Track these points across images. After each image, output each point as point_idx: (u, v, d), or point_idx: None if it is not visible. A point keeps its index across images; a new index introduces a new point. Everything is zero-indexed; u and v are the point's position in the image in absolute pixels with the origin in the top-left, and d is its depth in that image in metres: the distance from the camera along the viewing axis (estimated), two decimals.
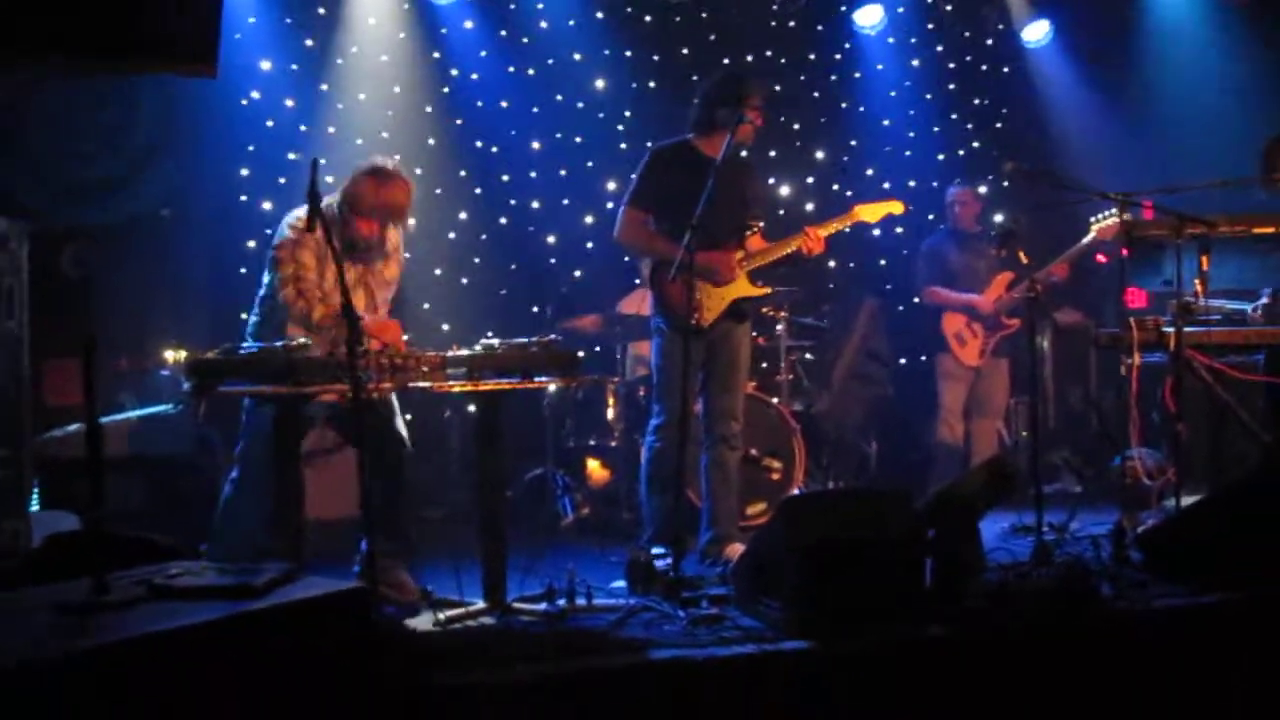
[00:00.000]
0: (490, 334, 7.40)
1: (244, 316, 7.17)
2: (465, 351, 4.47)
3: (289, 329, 4.91)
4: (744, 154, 5.80)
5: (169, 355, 6.78)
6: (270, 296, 5.08)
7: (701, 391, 5.59)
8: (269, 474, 5.11)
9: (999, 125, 9.53)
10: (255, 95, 7.61)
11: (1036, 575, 4.59)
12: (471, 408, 7.74)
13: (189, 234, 7.43)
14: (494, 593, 4.54)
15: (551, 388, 6.72)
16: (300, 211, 5.01)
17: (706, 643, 3.90)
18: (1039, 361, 8.81)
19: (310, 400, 4.42)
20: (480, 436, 4.68)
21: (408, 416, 5.13)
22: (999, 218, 8.18)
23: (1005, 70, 9.41)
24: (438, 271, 8.12)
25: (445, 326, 7.79)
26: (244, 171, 7.63)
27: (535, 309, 8.05)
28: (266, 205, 7.52)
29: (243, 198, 7.61)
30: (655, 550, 4.79)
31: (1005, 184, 8.90)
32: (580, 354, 4.94)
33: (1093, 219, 6.76)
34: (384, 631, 3.70)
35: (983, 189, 8.20)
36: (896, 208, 5.97)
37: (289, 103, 7.73)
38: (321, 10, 7.79)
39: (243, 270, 7.39)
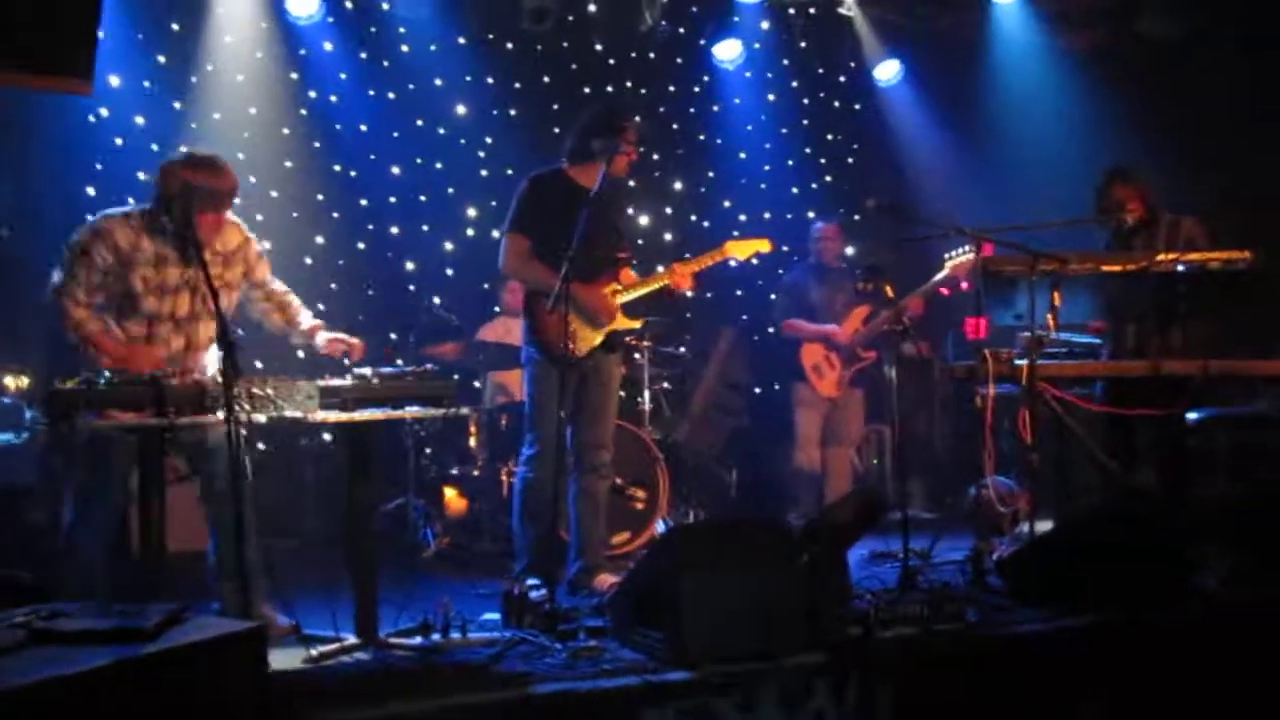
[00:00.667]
0: (346, 361, 7.41)
1: None
2: (340, 381, 4.37)
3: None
4: (619, 184, 5.81)
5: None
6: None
7: (571, 421, 5.56)
8: (106, 508, 4.94)
9: (851, 160, 9.79)
10: (104, 112, 7.36)
11: (905, 601, 4.67)
12: (327, 436, 7.66)
13: (29, 254, 7.09)
14: (366, 627, 4.43)
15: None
16: (109, 216, 4.83)
17: (589, 675, 3.88)
18: (888, 392, 9.05)
19: (178, 431, 4.27)
20: (352, 467, 4.57)
21: (260, 445, 5.00)
22: (850, 250, 8.36)
23: (857, 107, 9.67)
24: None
25: (300, 354, 7.61)
26: (90, 190, 7.34)
27: (393, 335, 7.93)
28: None
29: (89, 217, 7.30)
30: (530, 582, 4.75)
31: (857, 218, 9.13)
32: (476, 383, 4.88)
33: (946, 255, 6.96)
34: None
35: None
36: (765, 246, 6.08)
37: (139, 120, 7.49)
38: (176, 27, 7.58)
39: None
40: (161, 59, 7.56)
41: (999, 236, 5.75)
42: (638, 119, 5.74)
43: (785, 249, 8.54)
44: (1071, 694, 4.35)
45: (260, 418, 4.15)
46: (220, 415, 3.95)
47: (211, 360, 4.98)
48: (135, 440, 4.27)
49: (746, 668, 3.94)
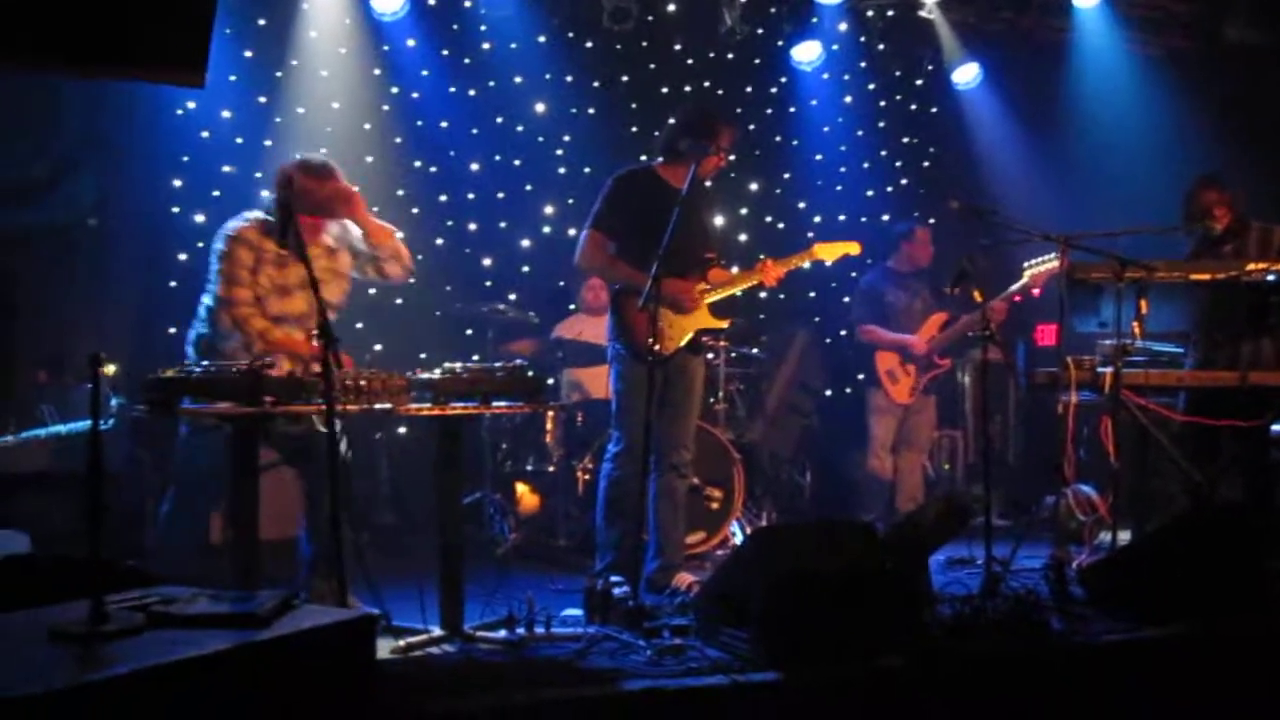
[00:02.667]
0: (423, 355, 7.48)
1: (171, 331, 7.11)
2: (431, 375, 4.41)
3: (231, 350, 4.83)
4: (707, 185, 5.81)
5: (108, 369, 6.59)
6: (209, 314, 4.98)
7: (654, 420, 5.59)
8: (203, 496, 5.03)
9: (928, 164, 9.72)
10: (190, 105, 7.45)
11: (989, 608, 4.65)
12: (402, 429, 7.72)
13: (117, 244, 7.23)
14: (452, 620, 4.47)
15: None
16: (237, 223, 4.94)
17: (676, 673, 3.90)
18: (960, 397, 9.01)
19: (273, 420, 4.34)
20: (441, 460, 4.62)
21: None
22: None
23: (935, 110, 9.60)
24: (372, 291, 7.98)
25: (378, 347, 7.69)
26: (176, 182, 7.46)
27: (470, 331, 7.99)
28: (199, 217, 7.37)
29: (175, 209, 7.45)
30: (613, 579, 4.77)
31: (932, 221, 9.07)
32: (550, 380, 4.91)
33: (1026, 263, 6.91)
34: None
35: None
36: (854, 249, 6.08)
37: (225, 114, 7.59)
38: (262, 21, 7.66)
39: (172, 283, 7.25)
40: (248, 53, 7.64)
41: (1086, 243, 5.69)
42: (732, 124, 5.74)
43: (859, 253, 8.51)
44: (1164, 701, 4.31)
45: (354, 409, 4.21)
46: (316, 405, 4.02)
47: None
48: (230, 429, 4.35)
49: (832, 669, 3.94)
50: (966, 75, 9.21)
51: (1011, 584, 5.10)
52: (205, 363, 4.48)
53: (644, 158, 5.82)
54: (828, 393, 9.35)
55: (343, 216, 4.99)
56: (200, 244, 7.19)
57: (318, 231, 4.99)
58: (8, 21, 2.43)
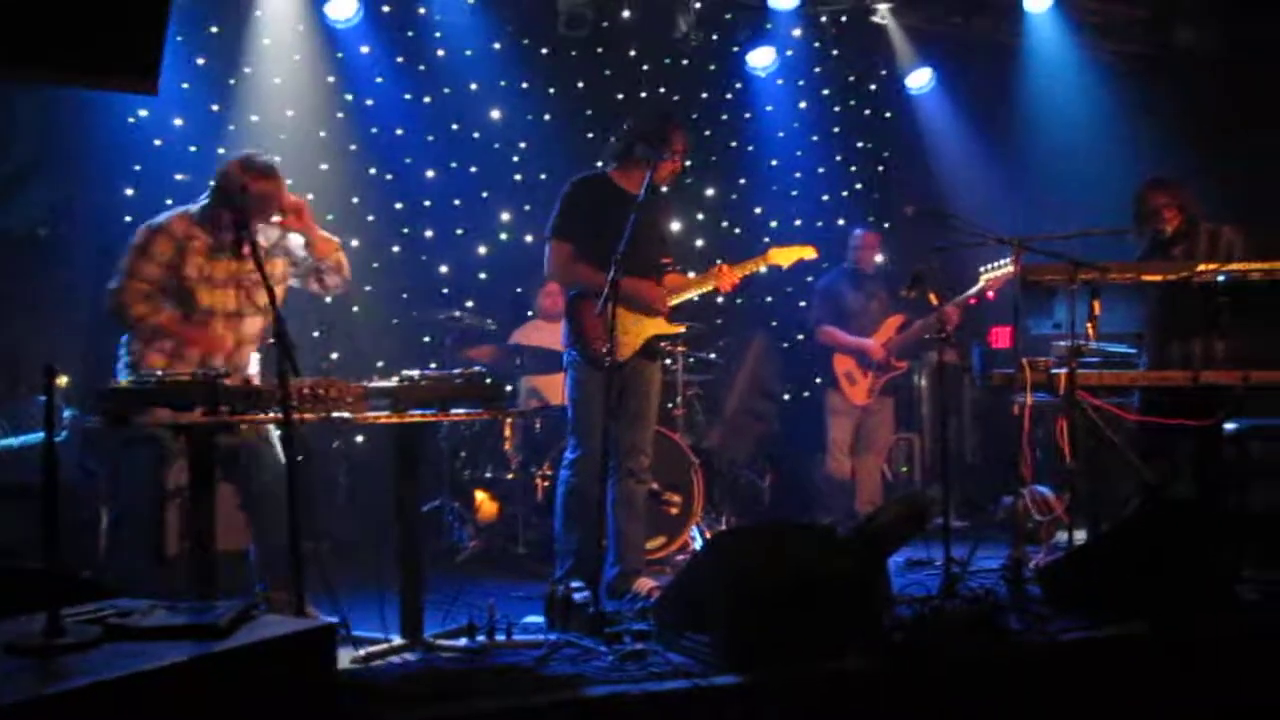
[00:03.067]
0: (380, 363, 7.44)
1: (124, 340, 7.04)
2: (388, 383, 4.39)
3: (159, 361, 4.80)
4: (664, 190, 5.82)
5: (60, 380, 6.51)
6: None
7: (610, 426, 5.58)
8: (150, 510, 4.98)
9: (882, 169, 9.79)
10: (143, 113, 7.39)
11: (948, 608, 4.68)
12: (360, 438, 7.68)
13: (68, 254, 7.15)
14: (412, 628, 4.45)
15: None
16: (162, 216, 4.92)
17: (638, 678, 3.91)
18: (917, 400, 9.06)
19: (231, 430, 4.31)
20: (399, 468, 4.60)
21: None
22: (879, 258, 8.34)
23: (888, 115, 9.66)
24: (328, 299, 7.97)
25: (334, 355, 7.64)
26: (129, 191, 7.39)
27: (427, 339, 7.96)
28: None
29: (127, 218, 7.31)
30: (573, 585, 4.76)
31: (887, 225, 9.15)
32: (508, 387, 4.90)
33: (982, 268, 6.96)
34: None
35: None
36: (810, 253, 6.10)
37: (178, 122, 7.53)
38: (214, 28, 7.60)
39: None
40: (200, 60, 7.58)
41: (1039, 246, 5.74)
42: (685, 129, 5.75)
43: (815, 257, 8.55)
44: (1122, 699, 4.36)
45: (311, 417, 4.18)
46: (273, 415, 3.99)
47: (255, 359, 5.06)
48: (180, 440, 4.32)
49: (793, 672, 3.96)
50: (919, 80, 9.28)
51: (970, 584, 5.13)
52: (159, 372, 4.43)
53: (600, 164, 5.81)
54: (785, 397, 9.39)
55: (287, 224, 4.95)
56: None
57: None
58: None
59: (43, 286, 7.06)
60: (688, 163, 5.89)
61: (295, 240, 5.10)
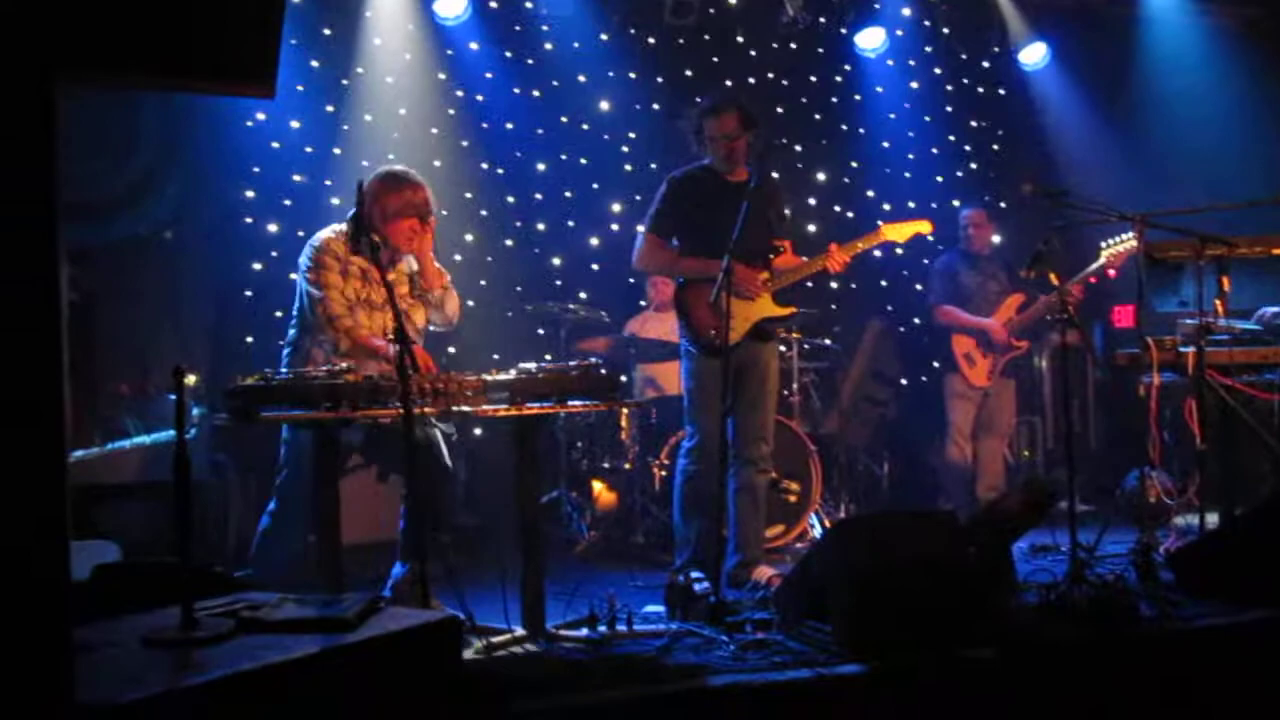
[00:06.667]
0: (496, 356, 7.51)
1: (248, 340, 7.21)
2: (506, 375, 4.43)
3: (321, 357, 4.89)
4: (774, 175, 5.78)
5: (189, 379, 6.68)
6: (299, 328, 5.05)
7: (729, 413, 5.53)
8: (306, 504, 5.09)
9: (997, 147, 9.59)
10: (260, 116, 7.52)
11: (1076, 595, 4.58)
12: (478, 431, 7.76)
13: (191, 256, 7.32)
14: (534, 619, 4.49)
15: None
16: (325, 234, 5.01)
17: (760, 668, 3.89)
18: (1038, 382, 8.89)
19: (350, 425, 4.38)
20: (520, 461, 4.63)
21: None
22: (996, 238, 8.20)
23: (1002, 92, 9.47)
24: (431, 327, 8.08)
25: (451, 350, 7.72)
26: (249, 193, 7.53)
27: (542, 331, 8.01)
28: (271, 227, 7.45)
29: (247, 219, 7.53)
30: (693, 574, 4.76)
31: (1003, 205, 8.99)
32: (623, 378, 4.91)
33: (1103, 243, 6.80)
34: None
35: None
36: (924, 227, 5.98)
37: (294, 124, 7.65)
38: (327, 31, 7.72)
39: (247, 293, 7.33)
40: (314, 63, 7.70)
41: (1164, 221, 5.59)
42: (716, 109, 5.69)
43: (930, 238, 8.43)
44: (1267, 687, 4.23)
45: (432, 412, 4.25)
46: (395, 409, 4.05)
47: None
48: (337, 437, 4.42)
49: (917, 660, 3.91)
50: (1034, 55, 9.08)
51: (1098, 570, 5.01)
52: (285, 371, 4.54)
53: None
54: (903, 382, 9.27)
55: (407, 246, 5.00)
56: (274, 253, 7.34)
57: (410, 239, 5.03)
58: (83, 36, 2.47)
59: (169, 288, 7.24)
60: (789, 144, 5.89)
61: (413, 263, 5.17)
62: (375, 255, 4.52)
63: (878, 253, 8.39)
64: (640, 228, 5.82)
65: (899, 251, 8.53)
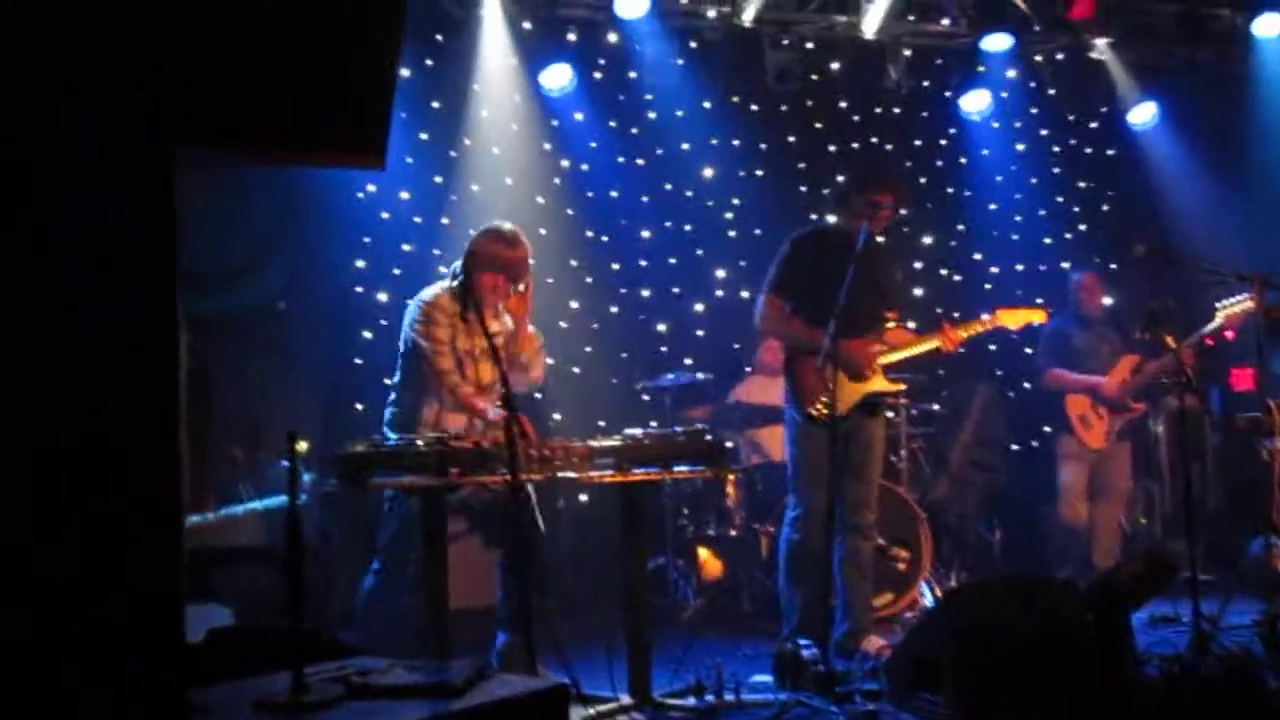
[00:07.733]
0: (601, 423, 7.53)
1: (359, 407, 7.31)
2: (612, 442, 4.44)
3: (431, 415, 4.95)
4: (880, 240, 5.74)
5: (301, 446, 6.78)
6: (405, 387, 5.12)
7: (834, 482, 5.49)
8: (411, 565, 5.14)
9: (1106, 208, 9.45)
10: (371, 188, 7.70)
11: (1200, 667, 4.42)
12: (584, 496, 7.78)
13: (304, 325, 7.48)
14: (641, 687, 4.46)
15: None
16: (434, 290, 5.09)
17: None
18: (1154, 446, 8.66)
19: (458, 491, 4.42)
20: (627, 526, 4.63)
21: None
22: (1107, 300, 8.04)
23: (1111, 152, 9.35)
24: (550, 361, 8.11)
25: (556, 416, 7.78)
26: (359, 263, 7.68)
27: (646, 397, 8.01)
28: (382, 296, 7.57)
29: (358, 289, 7.67)
30: (801, 642, 4.70)
31: (1113, 267, 8.82)
32: (729, 444, 4.89)
33: (1218, 304, 6.64)
34: None
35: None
36: (1038, 316, 5.97)
37: (404, 195, 7.81)
38: (436, 104, 7.89)
39: (357, 360, 7.45)
40: (423, 135, 7.86)
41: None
42: (884, 180, 5.67)
43: (1039, 301, 8.30)
44: None
45: (538, 478, 4.27)
46: (501, 475, 4.07)
47: None
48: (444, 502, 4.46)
49: None
50: (1143, 115, 8.93)
51: (1222, 642, 4.85)
52: (394, 437, 4.60)
53: (814, 216, 5.79)
54: (1013, 447, 9.10)
55: (489, 299, 5.05)
56: (384, 321, 7.46)
57: (499, 294, 5.07)
58: (201, 113, 2.54)
59: (282, 357, 7.39)
60: (902, 212, 5.81)
61: (509, 323, 5.23)
62: (472, 301, 4.57)
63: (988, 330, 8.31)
64: (762, 291, 5.78)
65: (1012, 332, 8.42)
